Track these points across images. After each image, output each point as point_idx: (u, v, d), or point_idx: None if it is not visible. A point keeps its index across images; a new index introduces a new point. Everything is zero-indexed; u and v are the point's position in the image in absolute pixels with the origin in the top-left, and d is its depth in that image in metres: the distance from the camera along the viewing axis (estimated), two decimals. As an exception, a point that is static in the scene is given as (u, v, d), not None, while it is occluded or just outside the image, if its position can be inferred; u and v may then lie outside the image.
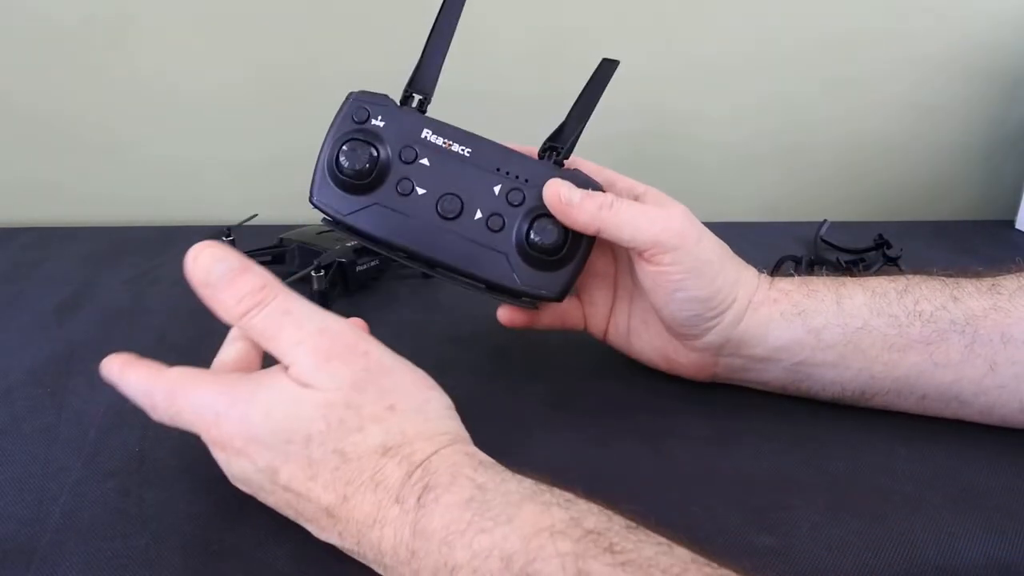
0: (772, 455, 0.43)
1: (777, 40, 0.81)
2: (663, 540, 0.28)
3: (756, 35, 0.81)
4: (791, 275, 0.46)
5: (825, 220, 0.79)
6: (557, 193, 0.42)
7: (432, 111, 0.45)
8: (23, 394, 0.46)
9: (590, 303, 0.49)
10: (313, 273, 0.57)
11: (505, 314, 0.47)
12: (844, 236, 0.77)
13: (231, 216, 0.68)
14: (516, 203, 0.44)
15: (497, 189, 0.44)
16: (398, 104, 0.44)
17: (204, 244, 0.35)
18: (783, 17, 0.80)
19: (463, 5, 0.44)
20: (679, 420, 0.46)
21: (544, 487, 0.31)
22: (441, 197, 0.43)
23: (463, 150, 0.44)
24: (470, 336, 0.55)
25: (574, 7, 0.78)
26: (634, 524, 0.29)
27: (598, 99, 0.45)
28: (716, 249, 0.44)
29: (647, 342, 0.48)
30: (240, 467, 0.34)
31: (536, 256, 0.43)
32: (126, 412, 0.45)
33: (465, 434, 0.36)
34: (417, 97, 0.44)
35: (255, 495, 0.36)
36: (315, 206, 0.44)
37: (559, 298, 0.45)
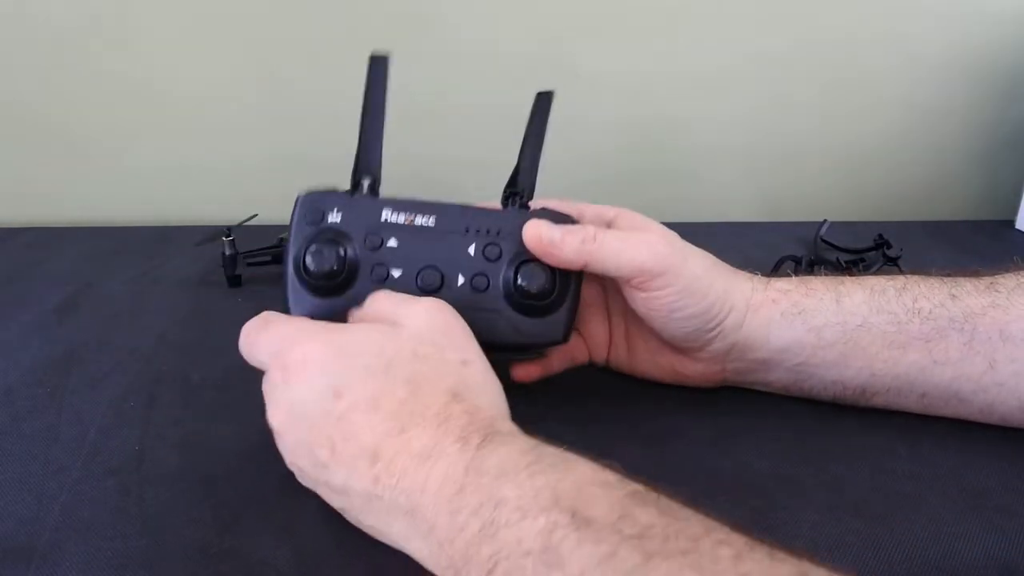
0: (772, 455, 0.43)
1: (777, 41, 0.81)
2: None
3: (756, 36, 0.81)
4: (790, 275, 0.46)
5: (825, 220, 0.79)
6: (538, 235, 0.41)
7: (385, 185, 0.43)
8: (23, 394, 0.47)
9: (588, 335, 0.49)
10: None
11: (518, 372, 0.47)
12: (844, 236, 0.76)
13: (231, 216, 0.68)
14: (494, 258, 0.42)
15: (472, 249, 0.42)
16: (349, 193, 0.43)
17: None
18: (783, 18, 0.80)
19: (387, 80, 0.43)
20: (680, 420, 0.46)
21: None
22: (419, 273, 0.41)
23: (427, 220, 0.42)
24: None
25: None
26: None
27: (544, 133, 0.44)
28: (702, 263, 0.43)
29: (650, 360, 0.48)
30: (297, 392, 0.35)
31: (529, 304, 0.42)
32: (126, 412, 0.45)
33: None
34: (366, 181, 0.43)
35: (287, 435, 0.35)
36: None
37: (565, 339, 0.43)
